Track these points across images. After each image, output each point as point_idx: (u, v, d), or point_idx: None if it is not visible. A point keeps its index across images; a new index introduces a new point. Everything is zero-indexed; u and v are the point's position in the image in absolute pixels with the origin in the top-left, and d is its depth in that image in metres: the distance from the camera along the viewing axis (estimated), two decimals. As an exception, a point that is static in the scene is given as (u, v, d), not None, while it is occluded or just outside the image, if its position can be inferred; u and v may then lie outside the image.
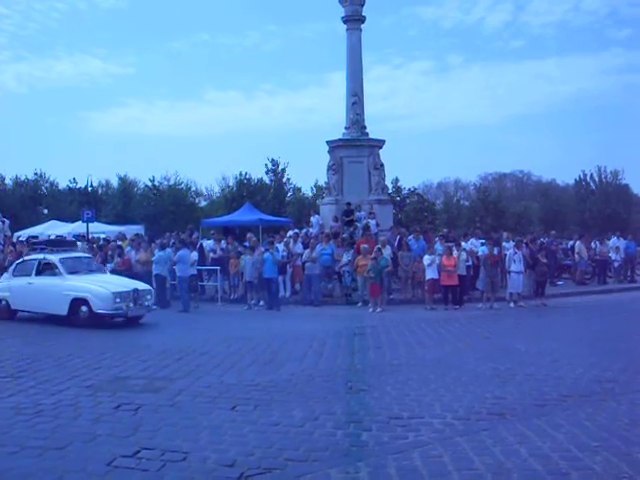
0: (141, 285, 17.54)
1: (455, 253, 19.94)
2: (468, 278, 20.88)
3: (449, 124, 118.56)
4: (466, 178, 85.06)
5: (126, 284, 17.35)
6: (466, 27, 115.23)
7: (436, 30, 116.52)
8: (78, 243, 26.70)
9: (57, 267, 17.20)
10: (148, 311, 17.20)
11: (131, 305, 16.44)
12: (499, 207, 62.88)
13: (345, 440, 6.99)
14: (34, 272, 17.56)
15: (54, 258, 17.62)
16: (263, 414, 7.97)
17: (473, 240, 22.10)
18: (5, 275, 19.16)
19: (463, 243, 21.39)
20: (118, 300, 16.11)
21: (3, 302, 18.07)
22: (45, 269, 17.56)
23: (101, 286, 16.51)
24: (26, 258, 19.11)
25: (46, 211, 46.89)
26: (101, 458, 6.32)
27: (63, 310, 16.30)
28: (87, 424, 7.52)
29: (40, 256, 18.17)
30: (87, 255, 21.01)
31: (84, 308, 16.11)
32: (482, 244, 21.81)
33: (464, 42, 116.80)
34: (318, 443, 6.85)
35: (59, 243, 22.78)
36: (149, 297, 17.24)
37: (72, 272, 17.27)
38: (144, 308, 17.00)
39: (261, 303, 21.00)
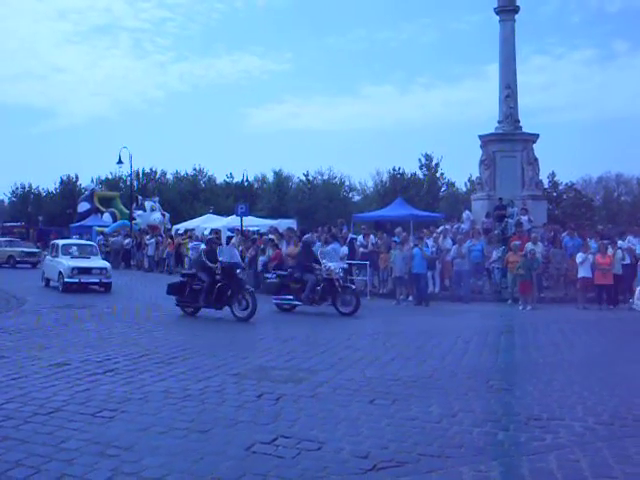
0: None
1: (610, 251, 19.16)
2: (625, 277, 19.96)
3: (612, 116, 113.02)
4: (629, 172, 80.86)
5: None
6: (634, 11, 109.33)
7: (601, 15, 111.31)
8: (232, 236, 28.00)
9: None
10: None
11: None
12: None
13: (481, 438, 6.96)
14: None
15: None
16: (401, 408, 8.06)
17: (631, 238, 21.11)
18: None
19: (620, 241, 20.50)
20: None
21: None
22: None
23: None
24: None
25: (212, 209, 48.69)
26: (240, 443, 6.62)
27: None
28: (230, 410, 7.87)
29: None
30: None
31: None
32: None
33: (631, 27, 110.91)
34: (453, 440, 6.87)
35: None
36: None
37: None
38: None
39: (410, 298, 21.06)
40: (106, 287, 23.62)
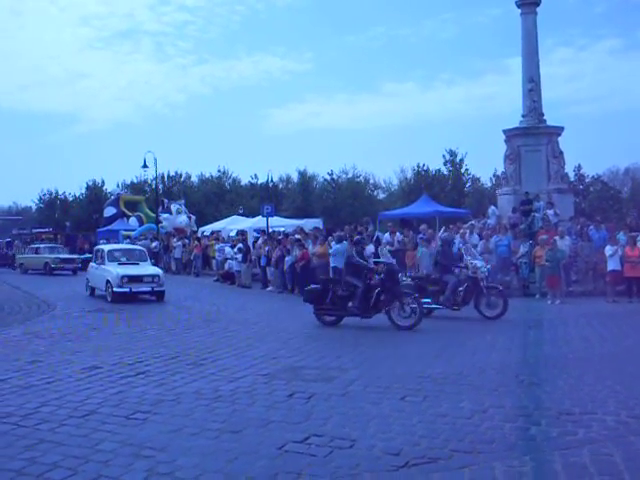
0: None
1: (640, 244, 19.01)
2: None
3: (638, 105, 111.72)
4: (658, 163, 79.83)
5: None
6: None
7: (625, 4, 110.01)
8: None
9: None
10: None
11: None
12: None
13: (512, 433, 6.96)
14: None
15: None
16: (432, 405, 8.07)
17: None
18: None
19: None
20: None
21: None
22: None
23: None
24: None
25: (242, 210, 48.73)
26: (273, 442, 6.66)
27: None
28: (261, 410, 7.93)
29: None
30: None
31: None
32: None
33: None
34: (485, 435, 6.87)
35: None
36: None
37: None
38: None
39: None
40: (159, 296, 21.66)
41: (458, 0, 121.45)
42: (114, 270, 21.47)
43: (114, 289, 20.88)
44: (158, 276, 21.85)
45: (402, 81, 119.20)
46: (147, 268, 22.87)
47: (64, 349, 12.48)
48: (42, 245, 40.37)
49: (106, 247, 24.78)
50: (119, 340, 13.57)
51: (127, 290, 20.98)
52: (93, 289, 23.35)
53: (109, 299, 21.10)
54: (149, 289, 21.46)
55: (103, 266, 22.29)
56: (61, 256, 37.63)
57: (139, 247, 27.46)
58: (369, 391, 8.82)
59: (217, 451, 6.48)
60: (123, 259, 22.70)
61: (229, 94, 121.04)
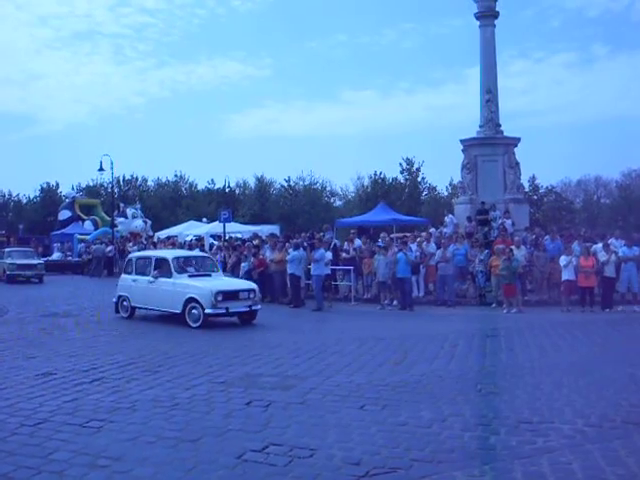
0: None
1: (603, 255, 19.27)
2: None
3: (592, 119, 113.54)
4: (608, 175, 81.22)
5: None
6: (613, 15, 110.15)
7: (581, 19, 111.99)
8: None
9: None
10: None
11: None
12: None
13: (472, 443, 6.96)
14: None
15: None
16: (391, 414, 8.05)
17: (613, 240, 21.24)
18: None
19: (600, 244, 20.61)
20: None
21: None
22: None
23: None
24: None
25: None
26: (231, 451, 6.58)
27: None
28: (219, 419, 7.84)
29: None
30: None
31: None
32: (622, 245, 20.90)
33: (610, 31, 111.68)
34: (445, 445, 6.86)
35: None
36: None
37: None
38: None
39: (394, 303, 21.06)
40: (251, 316, 17.18)
41: (420, 10, 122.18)
42: (200, 284, 16.67)
43: (206, 310, 15.95)
44: (254, 291, 17.31)
45: (361, 89, 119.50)
46: (236, 281, 19.13)
47: (17, 354, 12.21)
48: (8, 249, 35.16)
49: (169, 254, 19.06)
50: (73, 346, 13.32)
51: (223, 310, 16.27)
52: (133, 309, 18.16)
53: (195, 323, 16.09)
54: (246, 308, 16.80)
55: (172, 279, 16.93)
56: (18, 262, 32.49)
57: (207, 254, 23.20)
58: (328, 400, 8.77)
59: (174, 460, 6.37)
60: (191, 270, 17.86)
61: (188, 98, 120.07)
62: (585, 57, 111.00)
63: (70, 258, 41.22)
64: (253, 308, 16.89)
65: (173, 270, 17.04)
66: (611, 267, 19.30)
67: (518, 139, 29.23)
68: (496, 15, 29.35)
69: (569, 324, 16.33)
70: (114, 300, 18.51)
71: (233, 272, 24.00)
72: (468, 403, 8.64)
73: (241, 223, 43.79)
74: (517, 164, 28.54)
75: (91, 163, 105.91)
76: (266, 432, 7.26)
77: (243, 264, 23.53)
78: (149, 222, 47.42)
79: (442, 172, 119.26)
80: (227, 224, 32.79)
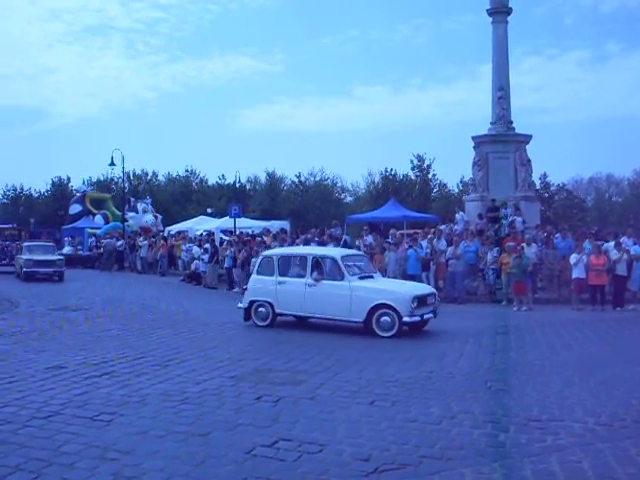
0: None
1: (615, 253, 19.17)
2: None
3: (604, 116, 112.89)
4: (619, 173, 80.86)
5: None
6: (627, 12, 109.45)
7: (595, 16, 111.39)
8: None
9: None
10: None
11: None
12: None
13: (482, 440, 6.95)
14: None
15: None
16: (401, 410, 8.05)
17: (625, 239, 21.14)
18: None
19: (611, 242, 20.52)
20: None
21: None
22: None
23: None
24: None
25: (210, 210, 48.36)
26: (241, 446, 6.60)
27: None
28: (229, 413, 7.86)
29: None
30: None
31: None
32: (635, 243, 20.80)
33: (624, 28, 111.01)
34: (454, 442, 6.86)
35: None
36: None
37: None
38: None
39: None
40: (424, 324, 14.98)
41: (432, 6, 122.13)
42: (394, 288, 15.07)
43: (404, 318, 13.96)
44: (436, 295, 15.85)
45: (374, 85, 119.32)
46: (417, 285, 16.90)
47: (27, 348, 12.27)
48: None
49: (330, 251, 17.12)
50: (84, 339, 13.37)
51: (418, 318, 14.31)
52: (276, 315, 15.63)
53: (387, 333, 13.99)
54: (431, 314, 14.87)
55: (340, 282, 14.69)
56: (36, 257, 29.77)
57: (360, 253, 19.49)
58: (337, 395, 8.78)
59: (184, 454, 6.39)
60: (355, 270, 15.45)
61: (199, 93, 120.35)
62: (598, 54, 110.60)
63: (81, 252, 41.35)
64: (436, 313, 15.08)
65: (345, 272, 14.80)
66: (623, 265, 19.21)
67: (530, 136, 29.10)
68: (509, 12, 29.22)
69: (580, 322, 16.28)
70: (242, 306, 15.97)
71: (243, 267, 24.06)
72: (478, 400, 8.63)
73: (251, 218, 43.77)
74: (528, 161, 28.40)
75: (102, 157, 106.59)
76: (276, 427, 7.27)
77: (253, 259, 23.54)
78: (160, 217, 47.48)
79: (453, 169, 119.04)
80: (237, 219, 32.83)
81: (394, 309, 13.99)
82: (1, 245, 38.81)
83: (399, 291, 14.59)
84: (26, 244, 31.88)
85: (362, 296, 14.34)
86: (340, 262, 14.90)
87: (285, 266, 15.72)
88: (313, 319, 15.37)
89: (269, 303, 15.46)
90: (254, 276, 16.30)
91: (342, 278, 14.69)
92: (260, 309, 15.62)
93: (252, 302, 15.73)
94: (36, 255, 29.96)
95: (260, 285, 15.75)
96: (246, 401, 8.41)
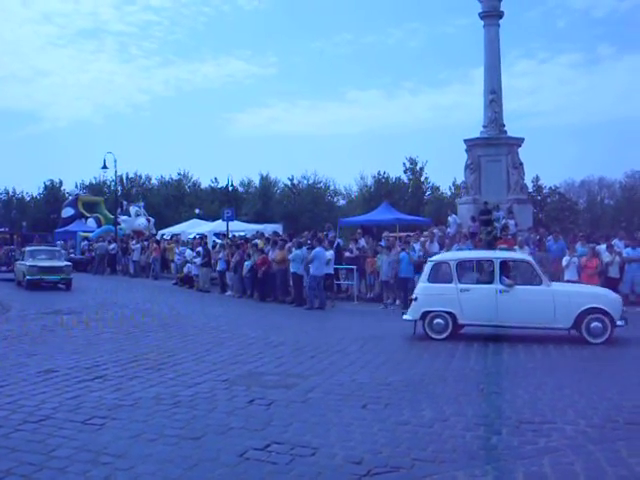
0: None
1: (607, 256, 19.21)
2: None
3: (597, 120, 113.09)
4: (611, 176, 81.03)
5: None
6: (619, 16, 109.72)
7: (587, 20, 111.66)
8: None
9: None
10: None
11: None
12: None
13: (474, 442, 6.95)
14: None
15: None
16: (393, 413, 8.05)
17: (616, 241, 21.20)
18: None
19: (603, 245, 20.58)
20: None
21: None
22: None
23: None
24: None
25: (198, 210, 48.49)
26: (233, 449, 6.59)
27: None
28: (221, 416, 7.86)
29: None
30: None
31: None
32: (626, 246, 20.86)
33: (616, 31, 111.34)
34: (446, 444, 6.86)
35: None
36: None
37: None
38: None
39: (397, 302, 21.03)
40: None
41: (425, 10, 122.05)
42: (605, 292, 14.47)
43: (618, 322, 13.30)
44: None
45: (367, 89, 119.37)
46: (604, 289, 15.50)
47: (19, 351, 12.23)
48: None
49: (523, 256, 16.14)
50: (76, 343, 13.34)
51: (624, 323, 13.49)
52: (458, 327, 14.21)
53: (598, 339, 13.15)
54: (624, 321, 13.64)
55: (537, 287, 13.74)
56: (41, 264, 26.69)
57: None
58: (330, 398, 8.78)
59: (176, 458, 6.38)
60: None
61: (192, 96, 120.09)
62: (590, 58, 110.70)
63: (73, 256, 41.22)
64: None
65: (542, 275, 13.91)
66: (615, 268, 19.26)
67: (522, 139, 29.23)
68: (500, 15, 29.35)
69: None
70: (410, 318, 14.29)
71: (236, 270, 24.05)
72: (470, 403, 8.63)
73: (244, 222, 43.76)
74: (521, 164, 28.54)
75: (95, 161, 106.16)
76: (268, 430, 7.27)
77: (246, 262, 23.55)
78: (152, 220, 47.42)
79: (446, 172, 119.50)
80: (230, 222, 32.85)
81: (606, 313, 13.20)
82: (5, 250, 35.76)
83: (610, 295, 13.93)
84: (28, 249, 28.55)
85: (567, 301, 13.43)
86: (535, 265, 14.02)
87: (465, 272, 14.43)
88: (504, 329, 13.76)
89: (449, 314, 13.95)
90: (425, 284, 14.40)
91: (540, 282, 13.74)
92: (437, 320, 14.01)
93: (425, 313, 14.12)
94: (41, 261, 26.95)
95: (435, 294, 14.12)
96: (238, 404, 8.41)
